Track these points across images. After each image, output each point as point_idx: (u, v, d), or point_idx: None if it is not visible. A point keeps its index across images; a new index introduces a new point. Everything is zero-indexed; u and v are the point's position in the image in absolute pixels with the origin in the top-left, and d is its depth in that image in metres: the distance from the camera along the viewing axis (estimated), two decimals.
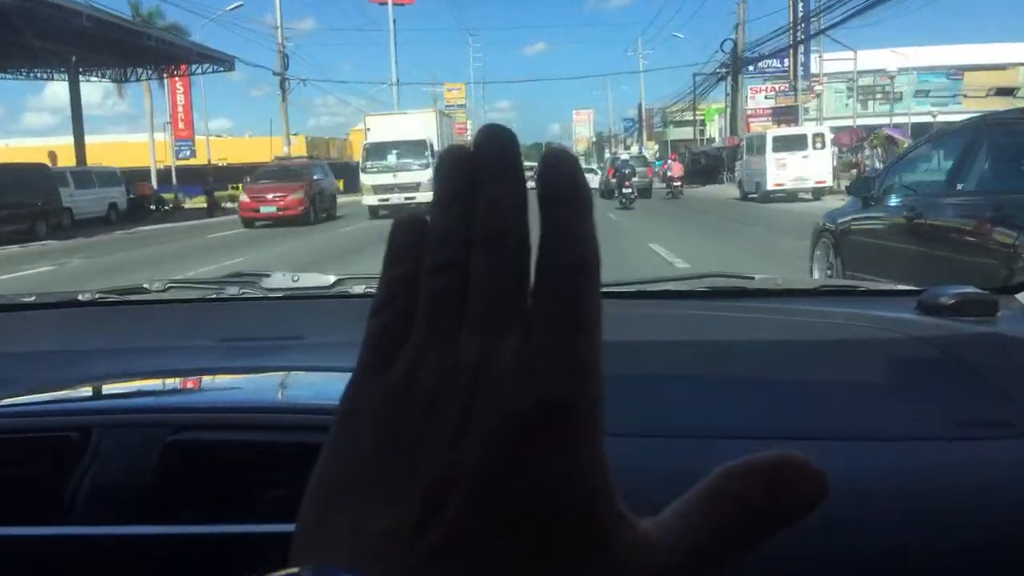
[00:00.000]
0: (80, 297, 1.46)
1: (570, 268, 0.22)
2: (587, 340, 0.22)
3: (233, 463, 0.79)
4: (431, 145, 20.70)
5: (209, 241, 15.75)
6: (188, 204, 29.54)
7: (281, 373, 1.05)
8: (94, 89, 39.46)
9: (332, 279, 1.46)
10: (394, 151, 20.44)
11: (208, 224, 20.79)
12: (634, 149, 48.90)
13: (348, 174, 29.88)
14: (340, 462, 0.23)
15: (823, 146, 20.79)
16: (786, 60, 33.99)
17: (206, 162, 32.11)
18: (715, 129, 49.23)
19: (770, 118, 34.46)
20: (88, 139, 25.71)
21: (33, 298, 1.53)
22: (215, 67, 26.94)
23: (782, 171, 20.34)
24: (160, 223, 21.99)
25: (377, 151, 20.75)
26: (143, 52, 23.47)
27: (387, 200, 19.86)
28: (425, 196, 19.28)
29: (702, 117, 48.60)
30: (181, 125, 33.68)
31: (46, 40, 18.88)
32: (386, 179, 20.08)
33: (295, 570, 0.21)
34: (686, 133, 50.62)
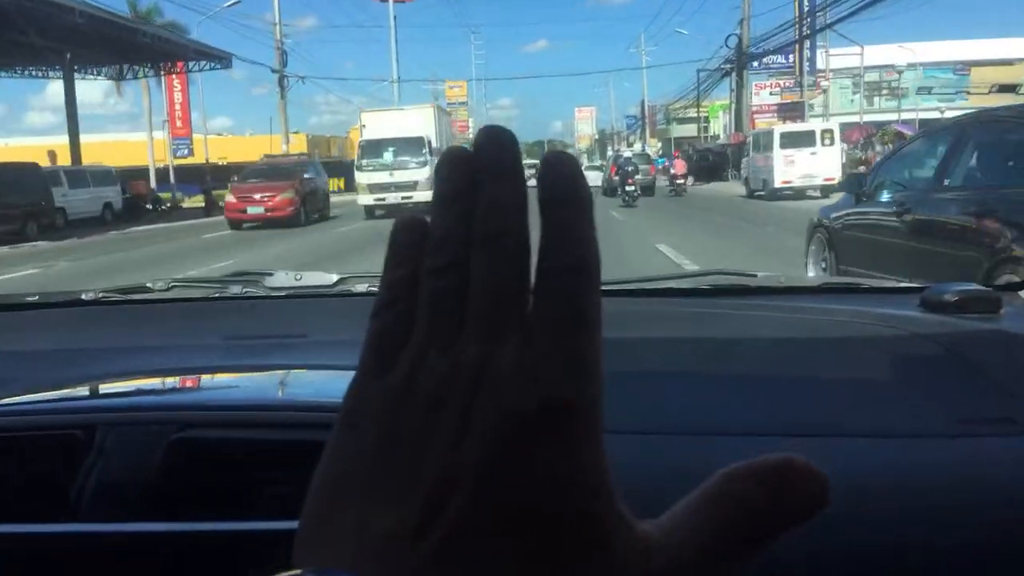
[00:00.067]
0: (84, 296, 1.47)
1: (570, 269, 0.22)
2: (588, 341, 0.22)
3: (237, 460, 0.79)
4: (429, 142, 20.00)
5: (202, 242, 15.40)
6: (187, 203, 29.25)
7: (285, 371, 1.05)
8: (95, 88, 39.32)
9: (335, 278, 1.47)
10: (390, 148, 19.72)
11: (204, 224, 20.43)
12: (637, 147, 48.52)
13: (348, 172, 29.53)
14: (342, 462, 0.23)
15: (832, 142, 20.41)
16: (791, 56, 33.58)
17: (204, 161, 31.79)
18: (719, 126, 48.86)
19: (775, 114, 34.05)
20: (88, 138, 25.50)
21: (37, 298, 1.54)
22: (212, 64, 26.64)
23: (790, 168, 19.95)
24: (156, 223, 21.66)
25: (373, 148, 20.03)
26: (139, 49, 23.15)
27: (383, 199, 19.23)
28: (423, 195, 18.66)
29: (706, 114, 48.19)
30: (179, 123, 33.28)
31: (40, 37, 18.56)
32: (382, 178, 19.41)
33: (298, 572, 0.21)
34: (689, 130, 50.30)
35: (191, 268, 9.68)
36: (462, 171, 0.23)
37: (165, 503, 0.75)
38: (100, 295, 1.46)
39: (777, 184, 20.02)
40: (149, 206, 24.89)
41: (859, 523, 0.65)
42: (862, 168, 20.79)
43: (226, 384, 1.04)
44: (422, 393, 0.22)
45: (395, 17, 44.96)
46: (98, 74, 27.24)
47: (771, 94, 36.15)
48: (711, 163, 33.86)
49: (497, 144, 0.23)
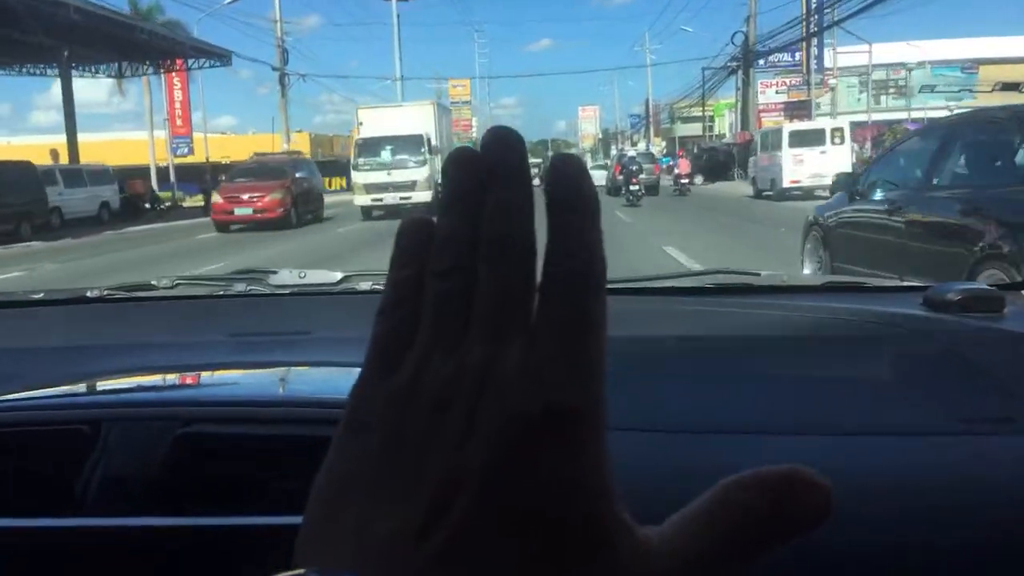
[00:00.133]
0: (88, 294, 1.47)
1: (576, 273, 0.22)
2: (592, 345, 0.22)
3: (240, 456, 0.80)
4: (428, 140, 19.31)
5: (197, 243, 15.08)
6: (188, 202, 28.96)
7: (288, 368, 1.05)
8: (100, 87, 39.05)
9: (339, 275, 1.48)
10: (388, 147, 18.96)
11: (202, 224, 20.07)
12: (641, 146, 48.24)
13: (350, 171, 29.28)
14: (346, 462, 0.23)
15: (842, 141, 19.98)
16: (798, 53, 33.17)
17: (204, 159, 31.51)
18: (724, 125, 48.49)
19: (782, 113, 33.61)
20: (92, 136, 25.23)
21: (42, 295, 1.56)
22: (212, 62, 26.36)
23: (799, 167, 19.50)
24: (154, 222, 21.36)
25: (370, 147, 19.21)
26: (137, 46, 22.86)
27: (380, 200, 18.51)
28: (422, 196, 18.21)
29: (711, 113, 47.80)
30: (179, 122, 32.95)
31: (36, 33, 18.26)
32: (380, 177, 18.65)
33: (301, 572, 0.21)
34: (694, 129, 49.96)
35: (182, 271, 9.35)
36: (469, 172, 0.23)
37: (169, 498, 0.75)
38: (105, 292, 1.46)
39: (786, 184, 19.61)
40: (148, 205, 24.58)
41: (859, 521, 0.65)
42: None
43: (230, 380, 1.05)
44: (427, 395, 0.22)
45: (398, 16, 44.69)
46: (96, 72, 26.97)
47: (777, 92, 35.70)
48: (717, 162, 33.47)
49: (504, 145, 0.23)
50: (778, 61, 34.44)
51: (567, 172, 0.23)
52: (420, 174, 18.58)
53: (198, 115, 35.40)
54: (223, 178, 18.72)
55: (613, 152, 44.13)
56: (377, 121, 20.80)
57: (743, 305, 1.28)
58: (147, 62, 26.50)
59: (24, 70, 25.71)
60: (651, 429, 0.77)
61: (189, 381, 1.03)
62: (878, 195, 5.29)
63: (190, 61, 26.62)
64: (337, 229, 16.65)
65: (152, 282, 1.50)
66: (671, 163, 29.40)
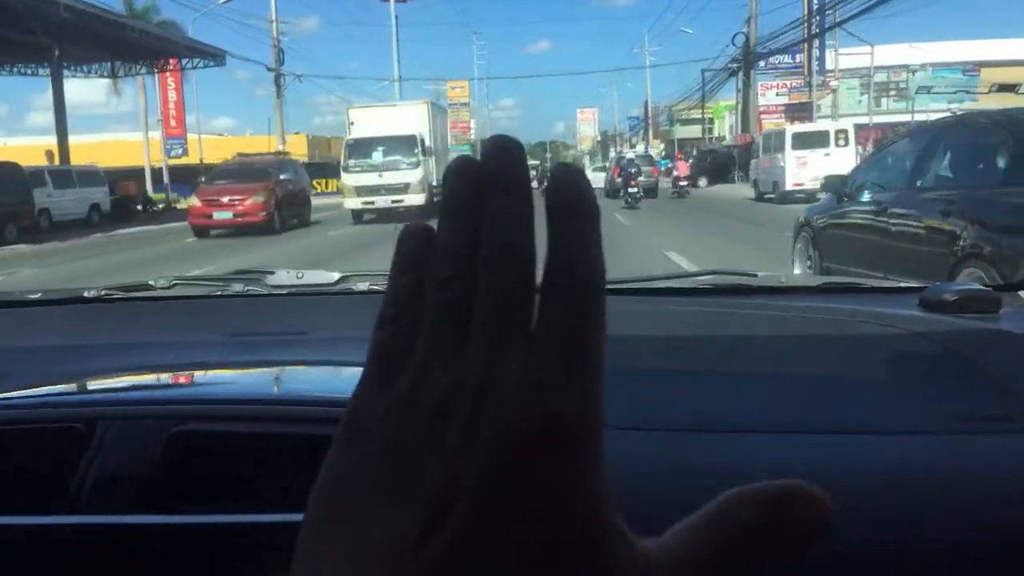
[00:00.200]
0: (85, 294, 1.48)
1: (575, 282, 0.22)
2: (591, 351, 0.22)
3: (236, 454, 0.80)
4: (422, 141, 18.64)
5: (184, 247, 14.71)
6: (181, 204, 28.61)
7: (285, 367, 1.06)
8: (97, 87, 38.61)
9: (336, 276, 1.48)
10: (380, 148, 18.29)
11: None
12: (640, 148, 47.95)
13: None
14: (345, 469, 0.23)
15: (846, 143, 19.64)
16: (799, 55, 32.88)
17: (199, 161, 31.14)
18: (724, 127, 48.21)
19: (783, 115, 33.29)
20: (87, 137, 24.86)
21: (39, 295, 1.57)
22: (206, 62, 26.05)
23: (802, 170, 19.12)
24: (146, 225, 21.00)
25: (360, 148, 18.53)
26: (129, 46, 22.54)
27: (372, 203, 17.92)
28: (415, 199, 17.71)
29: (710, 115, 47.50)
30: (173, 123, 32.63)
31: (26, 32, 17.92)
32: (371, 179, 17.97)
33: None
34: (693, 131, 49.73)
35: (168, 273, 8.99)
36: (469, 180, 0.23)
37: (165, 496, 0.76)
38: (102, 292, 1.47)
39: (788, 186, 19.26)
40: (140, 207, 24.21)
41: (858, 520, 0.66)
42: None
43: (226, 379, 1.05)
44: (426, 403, 0.22)
45: (396, 16, 44.34)
46: (89, 72, 26.62)
47: (778, 94, 35.40)
48: (717, 164, 33.15)
49: (505, 154, 0.23)
50: (779, 63, 34.17)
51: (568, 180, 0.23)
52: (413, 176, 18.03)
53: (194, 117, 35.07)
54: (202, 180, 17.96)
55: (612, 154, 43.77)
56: (369, 121, 20.04)
57: (740, 306, 1.29)
58: (140, 62, 26.18)
59: (15, 70, 25.38)
60: (648, 428, 0.78)
61: (185, 380, 1.04)
62: (865, 196, 5.40)
63: (184, 61, 26.34)
64: (328, 232, 16.23)
65: (149, 282, 1.51)
66: (670, 165, 29.10)
